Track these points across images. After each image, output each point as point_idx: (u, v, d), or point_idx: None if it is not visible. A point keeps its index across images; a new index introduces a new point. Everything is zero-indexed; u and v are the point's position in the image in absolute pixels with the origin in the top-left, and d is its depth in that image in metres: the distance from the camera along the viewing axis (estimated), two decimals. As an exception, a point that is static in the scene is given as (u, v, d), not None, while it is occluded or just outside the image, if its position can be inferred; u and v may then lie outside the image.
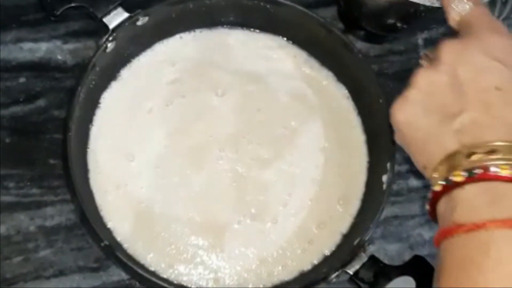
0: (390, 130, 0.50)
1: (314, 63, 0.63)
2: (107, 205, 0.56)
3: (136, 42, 0.60)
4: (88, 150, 0.57)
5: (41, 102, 0.60)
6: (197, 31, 0.63)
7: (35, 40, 0.62)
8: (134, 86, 0.60)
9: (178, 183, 0.57)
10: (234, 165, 0.58)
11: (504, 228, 0.39)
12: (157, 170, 0.58)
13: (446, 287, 0.40)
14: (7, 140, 0.59)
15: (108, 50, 0.57)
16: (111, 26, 0.57)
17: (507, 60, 0.44)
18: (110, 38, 0.57)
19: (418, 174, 0.47)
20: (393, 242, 0.60)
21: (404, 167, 0.62)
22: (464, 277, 0.39)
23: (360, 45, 0.65)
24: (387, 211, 0.60)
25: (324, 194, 0.59)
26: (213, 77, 0.61)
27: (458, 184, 0.42)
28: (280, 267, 0.56)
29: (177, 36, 0.62)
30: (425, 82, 0.46)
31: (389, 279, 0.53)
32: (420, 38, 0.67)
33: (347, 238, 0.57)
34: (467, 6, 0.48)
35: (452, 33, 0.49)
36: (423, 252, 0.57)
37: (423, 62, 0.48)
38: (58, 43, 0.62)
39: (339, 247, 0.57)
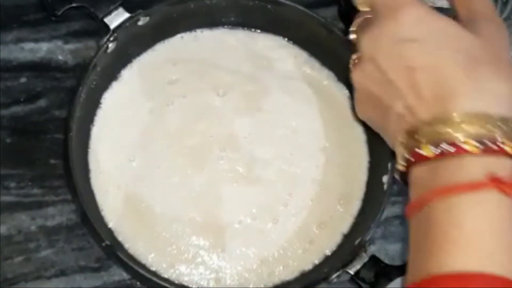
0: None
1: (314, 63, 0.63)
2: (108, 205, 0.56)
3: (137, 42, 0.60)
4: (89, 150, 0.57)
5: (42, 102, 0.60)
6: (198, 31, 0.63)
7: (36, 40, 0.62)
8: (135, 86, 0.60)
9: (179, 183, 0.57)
10: (235, 165, 0.59)
11: (448, 195, 0.40)
12: (158, 170, 0.58)
13: (414, 256, 0.42)
14: (8, 140, 0.59)
15: (109, 50, 0.57)
16: (112, 26, 0.57)
17: (419, 35, 0.44)
18: (111, 38, 0.57)
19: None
20: (394, 242, 0.60)
21: (404, 167, 0.62)
22: (434, 245, 0.41)
23: (360, 45, 0.65)
24: (388, 211, 0.60)
25: (325, 194, 0.59)
26: (214, 77, 0.61)
27: (421, 160, 0.43)
28: (281, 267, 0.56)
29: (178, 36, 0.62)
30: (359, 80, 0.48)
31: (390, 279, 0.54)
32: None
33: (348, 238, 0.57)
34: None
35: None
36: (423, 252, 0.57)
37: (351, 60, 0.49)
38: (59, 43, 0.62)
39: (340, 247, 0.57)
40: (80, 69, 0.59)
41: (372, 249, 0.56)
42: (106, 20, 0.58)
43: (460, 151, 0.41)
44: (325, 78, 0.63)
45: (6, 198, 0.57)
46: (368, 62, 0.47)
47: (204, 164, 0.58)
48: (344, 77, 0.62)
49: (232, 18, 0.63)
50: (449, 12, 0.49)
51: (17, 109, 0.60)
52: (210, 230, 0.56)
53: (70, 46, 0.62)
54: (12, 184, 0.57)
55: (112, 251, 0.53)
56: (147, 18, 0.59)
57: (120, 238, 0.55)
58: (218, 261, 0.56)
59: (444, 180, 0.41)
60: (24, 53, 0.61)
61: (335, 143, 0.61)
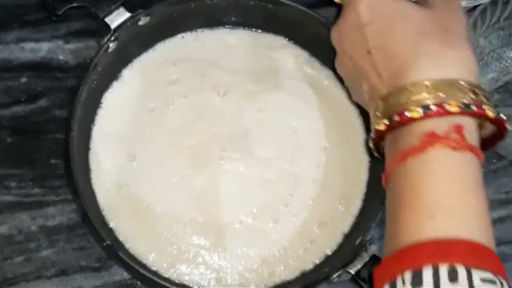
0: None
1: (315, 63, 0.63)
2: (109, 205, 0.56)
3: (138, 42, 0.60)
4: (90, 150, 0.57)
5: (42, 102, 0.60)
6: (199, 31, 0.63)
7: (37, 40, 0.62)
8: (135, 86, 0.60)
9: (179, 183, 0.57)
10: (236, 164, 0.58)
11: (401, 162, 0.44)
12: (159, 170, 0.58)
13: (387, 228, 0.45)
14: (9, 140, 0.59)
15: (109, 50, 0.57)
16: (112, 26, 0.57)
17: (372, 19, 0.49)
18: (112, 38, 0.57)
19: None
20: (394, 242, 0.60)
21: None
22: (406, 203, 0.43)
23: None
24: (389, 211, 0.60)
25: (326, 194, 0.59)
26: (215, 77, 0.61)
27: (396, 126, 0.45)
28: (281, 267, 0.56)
29: (179, 36, 0.62)
30: (339, 70, 0.54)
31: (391, 279, 0.53)
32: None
33: (348, 237, 0.57)
34: None
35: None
36: (424, 251, 0.57)
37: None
38: (60, 43, 0.62)
39: (341, 246, 0.57)
40: (81, 69, 0.59)
41: (373, 249, 0.56)
42: (107, 19, 0.58)
43: (405, 118, 0.44)
44: (326, 78, 0.63)
45: (7, 198, 0.57)
46: (340, 52, 0.53)
47: (204, 164, 0.58)
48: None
49: (233, 18, 0.63)
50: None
51: (17, 109, 0.60)
52: (210, 230, 0.56)
53: (71, 46, 0.62)
54: (13, 184, 0.57)
55: (113, 251, 0.53)
56: (148, 18, 0.59)
57: (121, 238, 0.55)
58: (219, 260, 0.56)
59: (398, 148, 0.45)
60: (25, 53, 0.61)
61: (336, 143, 0.61)
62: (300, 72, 0.63)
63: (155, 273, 0.54)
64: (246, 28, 0.63)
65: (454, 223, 0.41)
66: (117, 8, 0.58)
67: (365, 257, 0.54)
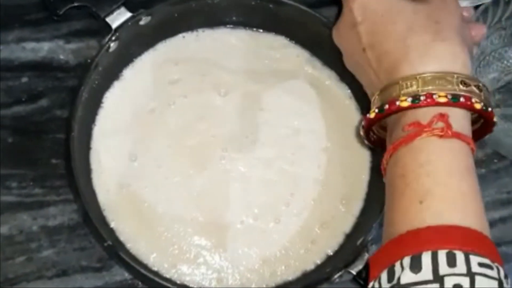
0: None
1: (316, 62, 0.63)
2: (110, 205, 0.56)
3: (139, 42, 0.60)
4: (90, 150, 0.57)
5: (43, 102, 0.60)
6: (200, 30, 0.63)
7: (38, 40, 0.62)
8: (136, 86, 0.60)
9: (180, 183, 0.57)
10: (237, 165, 0.58)
11: (393, 152, 0.45)
12: (160, 170, 0.58)
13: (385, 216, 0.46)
14: (9, 140, 0.58)
15: (110, 49, 0.57)
16: (113, 26, 0.57)
17: (365, 18, 0.51)
18: (113, 38, 0.57)
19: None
20: (395, 242, 0.60)
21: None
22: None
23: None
24: (390, 211, 0.60)
25: (327, 194, 0.59)
26: (216, 76, 0.61)
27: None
28: (283, 267, 0.56)
29: (180, 36, 0.62)
30: (348, 67, 0.55)
31: (392, 279, 0.53)
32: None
33: (350, 238, 0.57)
34: None
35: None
36: (426, 252, 0.57)
37: None
38: (61, 42, 0.62)
39: (342, 247, 0.57)
40: (82, 69, 0.59)
41: (374, 249, 0.56)
42: (108, 19, 0.58)
43: (393, 107, 0.46)
44: (327, 78, 0.62)
45: (8, 198, 0.57)
46: (343, 51, 0.55)
47: (205, 164, 0.58)
48: (346, 77, 0.62)
49: (234, 18, 0.63)
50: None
51: (18, 108, 0.60)
52: (212, 230, 0.56)
53: (72, 46, 0.62)
54: (14, 184, 0.57)
55: (114, 251, 0.53)
56: (149, 18, 0.59)
57: (121, 238, 0.55)
58: (220, 261, 0.56)
59: (391, 141, 0.46)
60: (26, 53, 0.61)
61: (337, 143, 0.61)
62: (301, 72, 0.63)
63: (156, 274, 0.54)
64: (247, 27, 0.63)
65: (444, 209, 0.42)
66: (118, 8, 0.58)
67: (366, 258, 0.54)
